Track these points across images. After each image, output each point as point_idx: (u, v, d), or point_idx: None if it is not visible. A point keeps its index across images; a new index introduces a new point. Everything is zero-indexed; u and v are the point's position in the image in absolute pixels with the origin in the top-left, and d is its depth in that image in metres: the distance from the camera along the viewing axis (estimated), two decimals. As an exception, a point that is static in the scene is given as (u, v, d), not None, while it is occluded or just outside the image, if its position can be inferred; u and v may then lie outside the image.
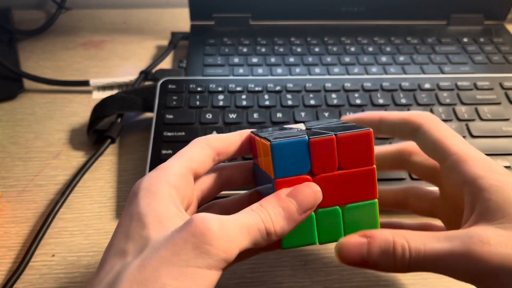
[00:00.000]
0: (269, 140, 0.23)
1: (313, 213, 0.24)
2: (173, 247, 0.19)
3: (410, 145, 0.30)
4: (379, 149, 0.31)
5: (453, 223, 0.28)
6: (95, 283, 0.20)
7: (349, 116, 0.31)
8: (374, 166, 0.24)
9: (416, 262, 0.22)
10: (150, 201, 0.22)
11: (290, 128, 0.28)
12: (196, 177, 0.25)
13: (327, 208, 0.24)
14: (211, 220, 0.20)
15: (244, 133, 0.27)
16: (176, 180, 0.23)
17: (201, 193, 0.27)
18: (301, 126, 0.28)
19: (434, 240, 0.22)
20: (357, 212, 0.24)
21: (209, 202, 0.29)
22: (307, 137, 0.23)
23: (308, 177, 0.24)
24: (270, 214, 0.22)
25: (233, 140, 0.27)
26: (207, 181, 0.27)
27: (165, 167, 0.24)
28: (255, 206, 0.22)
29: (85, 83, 0.50)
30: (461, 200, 0.25)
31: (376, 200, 0.25)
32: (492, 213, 0.22)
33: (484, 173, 0.23)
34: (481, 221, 0.22)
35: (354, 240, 0.23)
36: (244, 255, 0.27)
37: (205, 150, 0.25)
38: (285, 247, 0.24)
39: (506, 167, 0.37)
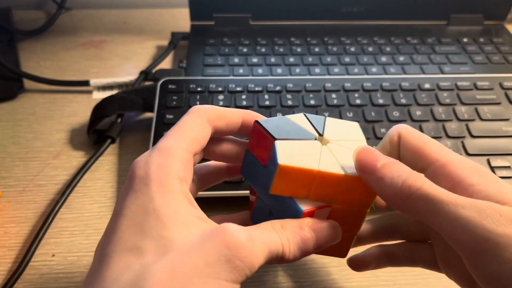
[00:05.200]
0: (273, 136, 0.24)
1: None
2: (206, 257, 0.19)
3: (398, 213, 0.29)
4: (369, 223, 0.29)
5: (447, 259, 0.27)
6: (107, 280, 0.19)
7: None
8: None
9: (419, 197, 0.21)
10: (167, 199, 0.21)
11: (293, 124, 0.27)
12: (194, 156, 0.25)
13: None
14: (240, 232, 0.20)
15: (247, 115, 0.26)
16: (183, 170, 0.22)
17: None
18: (301, 117, 0.27)
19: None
20: None
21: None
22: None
23: (329, 205, 0.24)
24: (289, 240, 0.22)
25: (233, 120, 0.26)
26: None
27: (169, 152, 0.22)
28: (277, 225, 0.22)
29: (85, 83, 0.50)
30: None
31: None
32: None
33: (469, 174, 0.23)
34: None
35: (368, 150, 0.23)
36: None
37: (206, 129, 0.25)
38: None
39: (506, 167, 0.37)
